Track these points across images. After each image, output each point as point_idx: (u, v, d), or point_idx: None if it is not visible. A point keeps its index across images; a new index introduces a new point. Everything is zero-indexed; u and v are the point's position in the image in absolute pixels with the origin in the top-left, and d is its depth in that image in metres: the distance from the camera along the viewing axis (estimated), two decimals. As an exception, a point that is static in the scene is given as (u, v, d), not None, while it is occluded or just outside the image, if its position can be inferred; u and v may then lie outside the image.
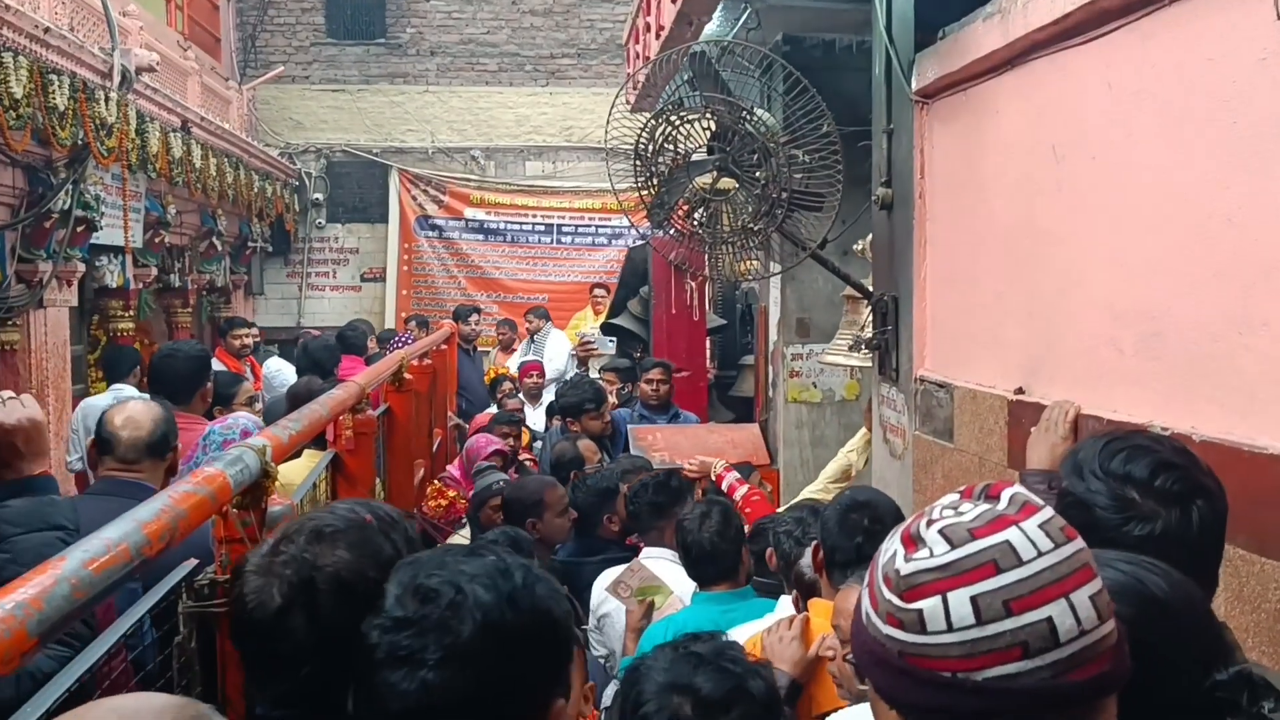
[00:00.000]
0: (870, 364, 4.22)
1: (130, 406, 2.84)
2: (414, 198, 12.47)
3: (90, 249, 7.29)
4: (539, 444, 6.93)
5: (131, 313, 8.45)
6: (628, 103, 6.37)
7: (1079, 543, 1.07)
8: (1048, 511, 1.08)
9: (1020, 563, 1.03)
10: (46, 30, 5.75)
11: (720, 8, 5.04)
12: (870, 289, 4.01)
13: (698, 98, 3.51)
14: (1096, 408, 2.59)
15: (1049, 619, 1.01)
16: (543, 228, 12.53)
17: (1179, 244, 2.36)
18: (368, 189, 12.54)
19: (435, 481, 5.18)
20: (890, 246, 3.91)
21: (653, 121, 3.59)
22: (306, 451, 3.67)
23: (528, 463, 6.07)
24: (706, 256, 3.72)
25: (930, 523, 1.08)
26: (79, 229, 6.91)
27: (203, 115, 8.97)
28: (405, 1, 12.76)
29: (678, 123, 3.55)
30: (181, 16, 10.73)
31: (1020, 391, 3.00)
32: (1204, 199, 2.27)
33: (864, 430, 4.28)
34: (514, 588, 1.31)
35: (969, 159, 3.37)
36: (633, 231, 11.97)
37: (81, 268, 7.20)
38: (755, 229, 3.59)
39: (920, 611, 1.05)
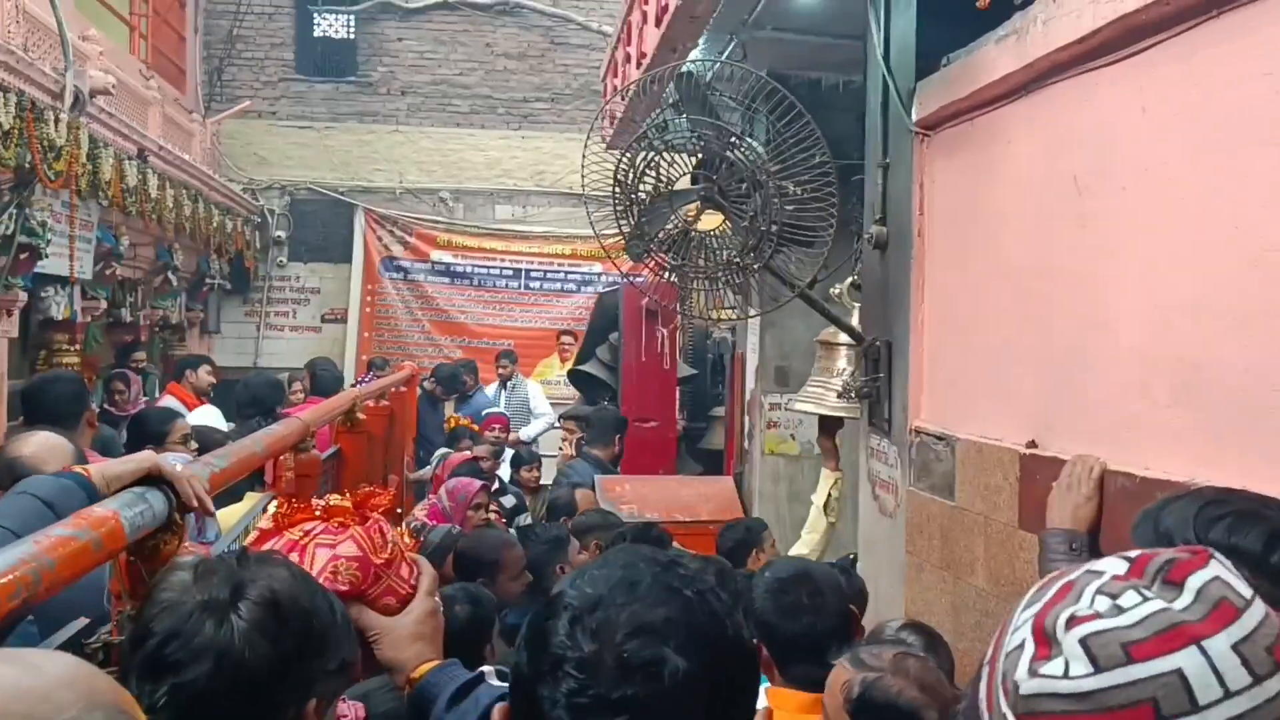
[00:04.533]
0: (846, 413, 3.93)
1: (37, 438, 2.52)
2: (379, 238, 12.16)
3: (35, 278, 6.92)
4: (506, 498, 6.57)
5: (77, 347, 8.05)
6: (603, 140, 6.13)
7: None
8: (1252, 617, 0.74)
9: (1194, 708, 0.71)
10: (-8, 44, 5.44)
11: (705, 39, 4.82)
12: (860, 332, 3.74)
13: (682, 121, 3.25)
14: (1125, 463, 2.33)
15: None
16: (510, 272, 12.25)
17: (1226, 280, 2.11)
18: (332, 228, 12.21)
19: (417, 515, 4.77)
20: (884, 288, 3.65)
21: (634, 145, 3.33)
22: (247, 494, 3.36)
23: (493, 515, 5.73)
24: (686, 292, 3.44)
25: (1074, 621, 0.76)
26: (22, 256, 6.55)
27: (161, 144, 8.64)
28: (377, 40, 12.54)
29: (661, 148, 3.29)
30: (145, 45, 10.44)
31: (1033, 445, 2.73)
32: (1258, 229, 2.02)
33: (825, 470, 3.93)
34: None
35: (975, 194, 3.13)
36: (602, 279, 11.76)
37: (23, 297, 6.82)
38: (742, 264, 3.32)
39: None
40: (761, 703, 2.53)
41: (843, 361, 3.95)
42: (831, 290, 4.30)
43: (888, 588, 3.55)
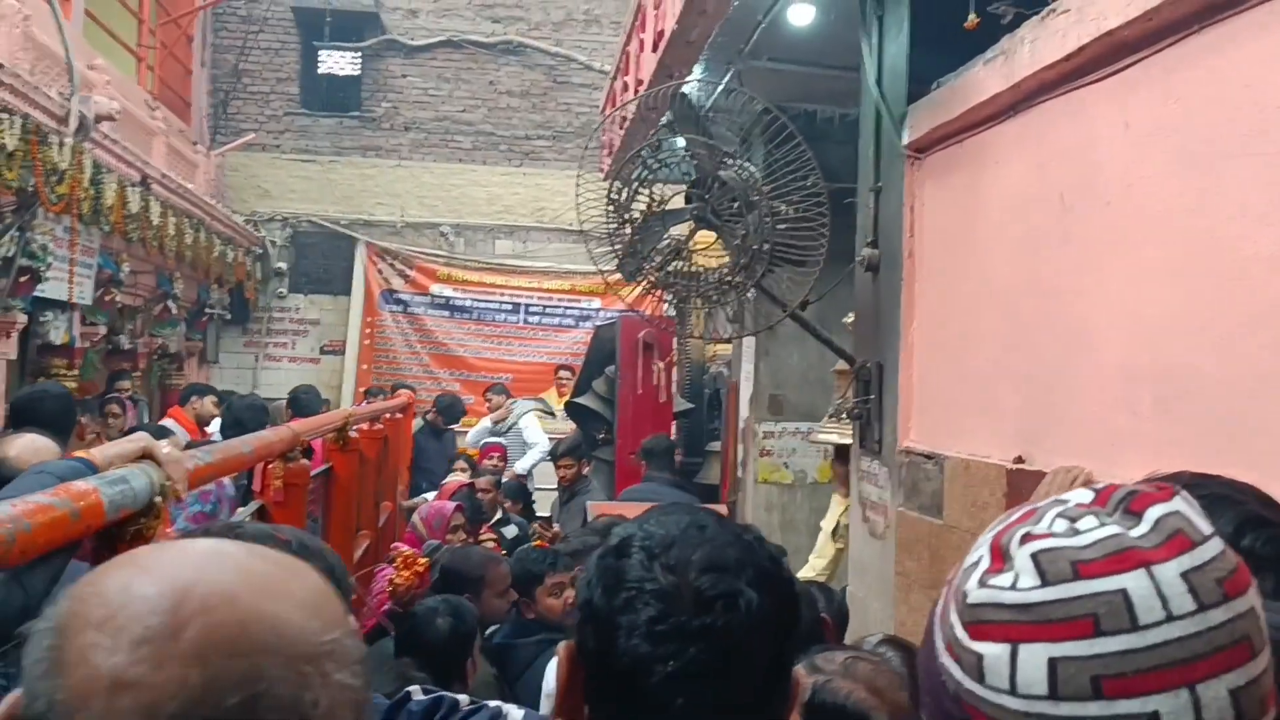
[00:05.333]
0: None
1: (23, 440, 2.52)
2: (380, 271, 12.22)
3: (35, 302, 6.95)
4: (509, 528, 6.50)
5: (75, 372, 8.06)
6: (600, 171, 6.19)
7: (1242, 603, 0.74)
8: (1207, 551, 0.75)
9: (1134, 626, 0.72)
10: (0, 67, 5.50)
11: (702, 71, 4.88)
12: (852, 355, 3.76)
13: (676, 140, 3.28)
14: (1108, 476, 2.32)
15: (1154, 714, 0.71)
16: (510, 307, 12.29)
17: (1208, 293, 2.13)
18: (333, 260, 12.27)
19: (401, 548, 4.76)
20: (875, 310, 3.67)
21: (628, 164, 3.36)
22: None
23: (489, 544, 5.70)
24: (683, 313, 3.46)
25: (1029, 537, 0.78)
26: (22, 278, 6.58)
27: (164, 173, 8.70)
28: (382, 77, 12.67)
29: (656, 166, 3.32)
30: (152, 77, 10.54)
31: (1020, 460, 2.74)
32: (1239, 240, 2.04)
33: (836, 496, 3.96)
34: None
35: (964, 215, 3.16)
36: (601, 314, 11.79)
37: (23, 319, 6.85)
38: (734, 282, 3.34)
39: (981, 657, 0.76)
40: None
41: (851, 390, 3.98)
42: (844, 320, 4.33)
43: (879, 610, 3.54)
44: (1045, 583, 0.75)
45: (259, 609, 0.66)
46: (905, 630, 3.33)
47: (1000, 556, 0.79)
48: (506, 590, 3.72)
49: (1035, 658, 0.73)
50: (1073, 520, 0.78)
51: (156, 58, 10.76)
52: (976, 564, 0.80)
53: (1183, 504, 0.78)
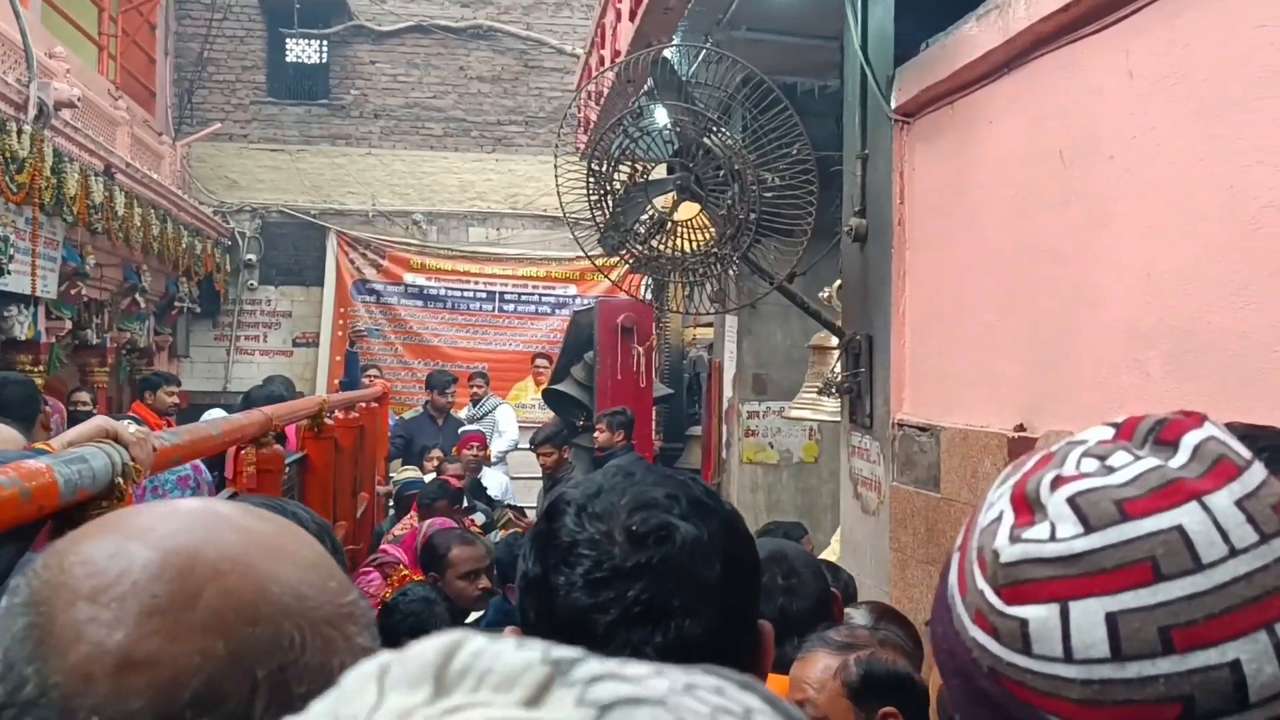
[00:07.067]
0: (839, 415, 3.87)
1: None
2: (352, 261, 12.04)
3: (-3, 297, 6.78)
4: (476, 515, 6.43)
5: (41, 368, 7.88)
6: (576, 150, 6.07)
7: None
8: (1254, 477, 0.66)
9: (1197, 566, 0.63)
10: (-47, 52, 5.33)
11: (680, 40, 4.77)
12: (840, 328, 3.67)
13: (659, 107, 3.17)
14: (1118, 440, 2.25)
15: (1234, 664, 0.62)
16: (484, 295, 12.14)
17: (1220, 245, 2.04)
18: (304, 251, 12.08)
19: (394, 554, 4.63)
20: (863, 281, 3.58)
21: (609, 134, 3.25)
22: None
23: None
24: (662, 286, 3.35)
25: (1060, 481, 0.68)
26: (-17, 272, 6.41)
27: (128, 162, 8.51)
28: (350, 64, 12.47)
29: (636, 135, 3.21)
30: (114, 65, 10.32)
31: (1021, 428, 2.65)
32: (1253, 189, 1.95)
33: None
34: None
35: (957, 179, 3.06)
36: (578, 301, 11.68)
37: (-16, 315, 6.68)
38: (720, 254, 3.24)
39: (1025, 623, 0.66)
40: None
41: (837, 365, 3.88)
42: (821, 294, 4.23)
43: (873, 586, 3.45)
44: (1090, 528, 0.65)
45: (274, 572, 0.60)
46: (902, 606, 3.24)
47: (1028, 507, 0.69)
48: (475, 575, 3.61)
49: (1090, 615, 0.64)
50: (1102, 459, 0.69)
51: (118, 46, 10.54)
52: (999, 520, 0.70)
53: (1215, 429, 0.70)
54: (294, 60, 12.57)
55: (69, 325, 8.18)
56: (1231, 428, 1.31)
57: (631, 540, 0.94)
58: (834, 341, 3.85)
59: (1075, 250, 2.49)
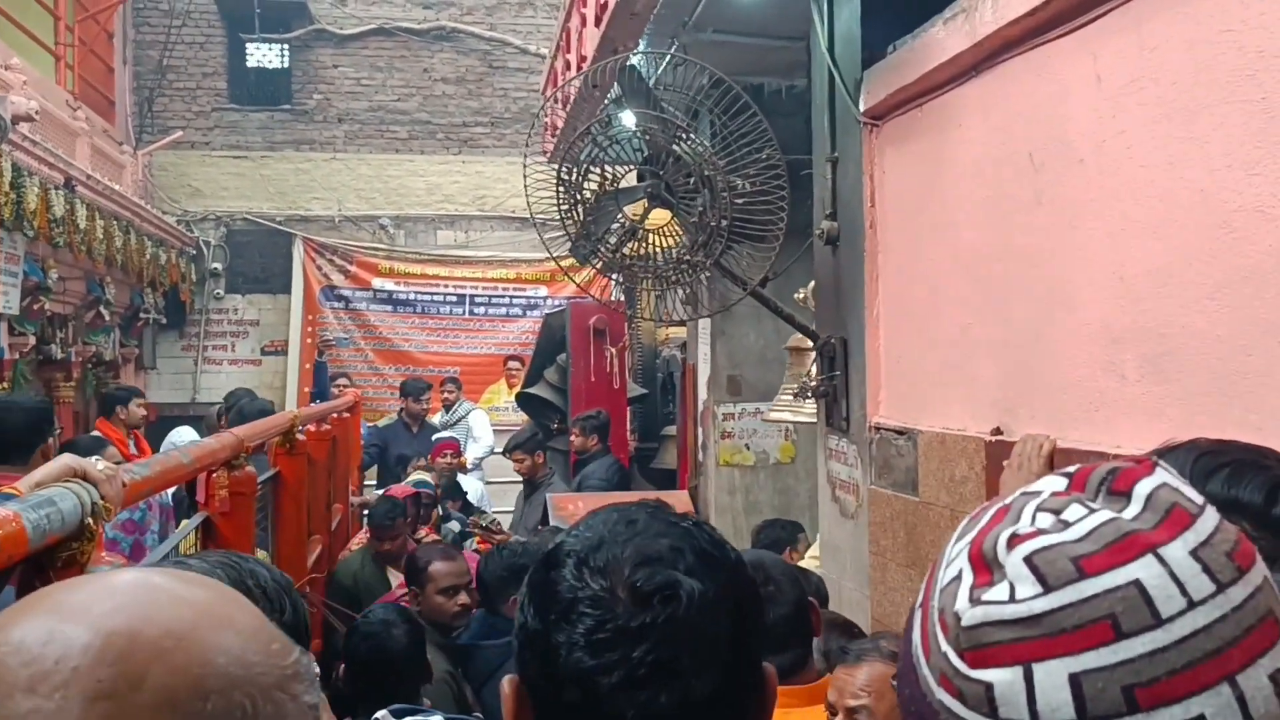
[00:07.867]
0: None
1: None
2: (319, 267, 11.94)
3: (-43, 314, 6.67)
4: (451, 524, 6.37)
5: (5, 385, 7.76)
6: (544, 154, 6.04)
7: (1256, 574, 0.65)
8: (1207, 523, 0.66)
9: (1157, 621, 0.62)
10: (-95, 67, 5.23)
11: (646, 43, 4.74)
12: (815, 331, 3.66)
13: (627, 114, 3.15)
14: (1095, 443, 2.25)
15: (1199, 719, 0.62)
16: (454, 298, 12.07)
17: (1193, 247, 2.05)
18: (270, 258, 11.96)
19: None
20: (836, 284, 3.58)
21: (578, 142, 3.22)
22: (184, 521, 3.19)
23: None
24: (634, 295, 3.33)
25: (1016, 539, 0.67)
26: (-58, 289, 6.30)
27: (89, 174, 8.39)
28: (312, 68, 12.36)
29: (605, 143, 3.19)
30: (72, 76, 10.16)
31: (998, 432, 2.65)
32: (1225, 191, 1.96)
33: None
34: None
35: (927, 181, 3.06)
36: (549, 302, 11.63)
37: (-55, 333, 6.57)
38: (693, 261, 3.22)
39: (990, 686, 0.65)
40: None
41: (814, 367, 3.87)
42: (796, 295, 4.23)
43: (852, 590, 3.45)
44: (1049, 588, 0.64)
45: (219, 643, 0.57)
46: (882, 610, 3.25)
47: (985, 566, 0.67)
48: (455, 591, 3.58)
49: (1054, 677, 0.63)
50: (1057, 513, 0.68)
51: (76, 56, 10.37)
52: (958, 579, 0.69)
53: (1166, 475, 0.69)
54: (255, 65, 12.44)
55: (33, 341, 8.06)
56: (1197, 442, 1.31)
57: (636, 598, 0.90)
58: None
59: (1048, 253, 2.49)
